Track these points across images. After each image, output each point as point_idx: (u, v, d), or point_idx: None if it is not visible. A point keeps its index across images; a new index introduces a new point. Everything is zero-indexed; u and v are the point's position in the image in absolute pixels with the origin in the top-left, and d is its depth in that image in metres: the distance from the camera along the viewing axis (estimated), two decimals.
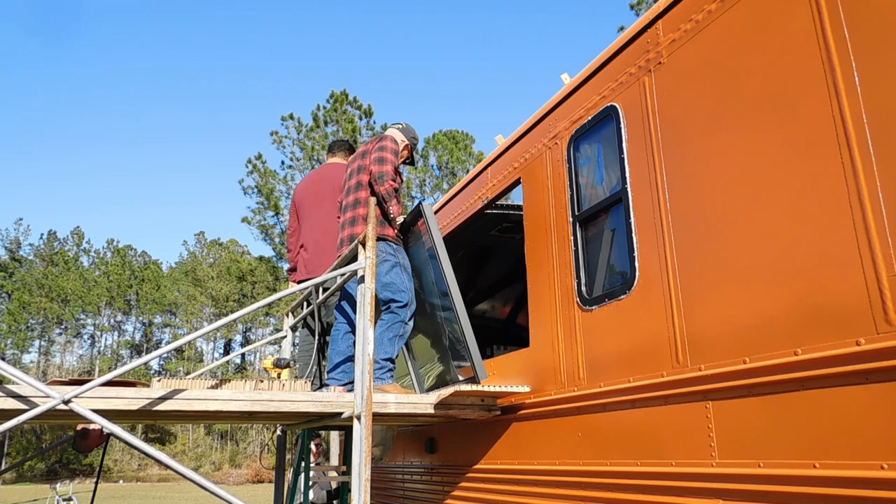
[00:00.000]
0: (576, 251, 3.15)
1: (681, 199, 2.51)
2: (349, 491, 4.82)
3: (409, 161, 4.54)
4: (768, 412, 2.01)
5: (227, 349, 62.47)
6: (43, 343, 60.85)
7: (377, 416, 3.44)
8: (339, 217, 4.36)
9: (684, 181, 2.50)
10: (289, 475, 4.89)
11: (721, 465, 2.15)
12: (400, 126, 4.47)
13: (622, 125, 2.90)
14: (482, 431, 3.73)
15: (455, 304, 3.59)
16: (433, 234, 3.72)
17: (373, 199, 3.41)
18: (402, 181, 4.30)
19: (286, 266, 5.63)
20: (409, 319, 3.83)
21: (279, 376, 3.86)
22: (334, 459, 14.37)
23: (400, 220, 4.01)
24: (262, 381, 3.22)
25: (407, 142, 4.42)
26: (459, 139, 26.12)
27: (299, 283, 4.62)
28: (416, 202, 4.08)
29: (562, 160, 3.37)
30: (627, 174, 2.82)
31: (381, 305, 3.83)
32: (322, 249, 4.61)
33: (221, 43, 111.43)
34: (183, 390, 2.92)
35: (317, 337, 4.30)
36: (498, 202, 4.38)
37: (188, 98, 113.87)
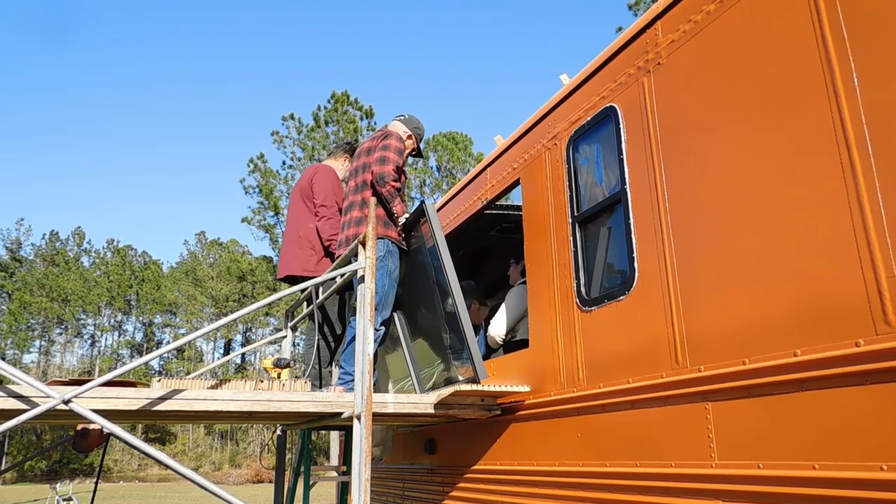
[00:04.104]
0: (575, 252, 3.15)
1: (680, 199, 2.51)
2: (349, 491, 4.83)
3: (417, 153, 4.46)
4: (768, 413, 2.01)
5: (228, 349, 62.46)
6: (43, 343, 60.87)
7: (377, 416, 3.44)
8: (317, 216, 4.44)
9: (683, 182, 2.50)
10: (289, 475, 4.89)
11: (720, 466, 2.15)
12: (402, 118, 4.37)
13: (621, 126, 2.90)
14: (482, 432, 3.73)
15: (456, 304, 3.58)
16: (436, 233, 3.71)
17: (373, 199, 3.41)
18: (405, 179, 4.26)
19: None
20: (380, 324, 3.84)
21: (279, 376, 3.86)
22: (334, 459, 14.37)
23: (403, 219, 3.99)
24: (262, 381, 3.22)
25: (410, 133, 4.32)
26: (459, 140, 26.13)
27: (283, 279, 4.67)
28: (417, 202, 4.08)
29: (561, 161, 3.37)
30: (627, 175, 2.82)
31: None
32: (286, 248, 4.68)
33: (222, 43, 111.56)
34: (183, 390, 2.92)
35: (316, 337, 4.30)
36: (497, 202, 4.38)
37: (188, 98, 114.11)
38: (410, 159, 4.62)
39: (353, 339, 3.78)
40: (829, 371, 1.83)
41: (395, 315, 4.40)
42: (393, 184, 3.88)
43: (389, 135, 4.09)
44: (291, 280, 4.52)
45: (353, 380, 3.69)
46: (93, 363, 61.45)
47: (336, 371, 4.23)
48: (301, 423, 4.04)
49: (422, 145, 4.53)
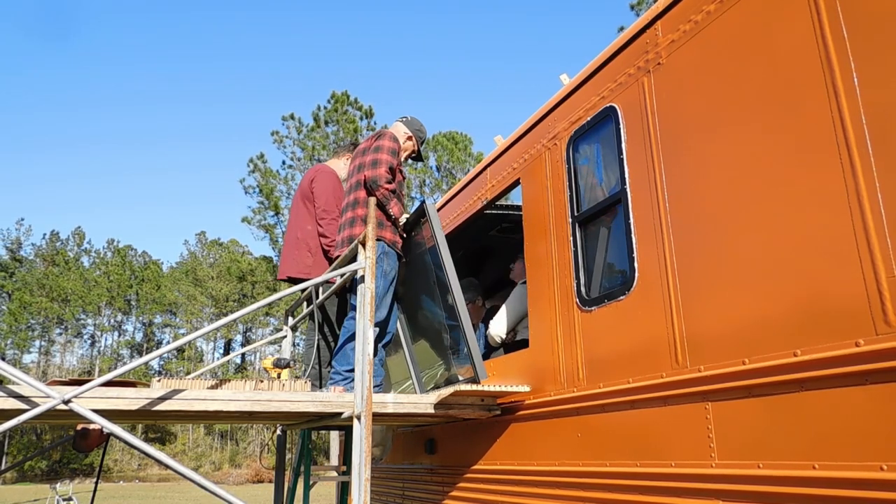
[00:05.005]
0: (575, 252, 3.15)
1: (680, 199, 2.51)
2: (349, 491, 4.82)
3: (417, 156, 4.41)
4: (768, 413, 2.01)
5: (228, 349, 62.46)
6: (43, 343, 60.87)
7: (377, 416, 3.44)
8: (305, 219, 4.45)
9: (683, 182, 2.50)
10: (289, 475, 4.89)
11: (720, 465, 2.15)
12: (405, 119, 4.32)
13: (621, 126, 2.90)
14: (482, 432, 3.73)
15: (457, 304, 3.58)
16: (436, 233, 3.70)
17: (372, 200, 3.40)
18: (403, 178, 4.21)
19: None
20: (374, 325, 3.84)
21: (279, 376, 3.86)
22: (334, 459, 14.37)
23: (403, 219, 3.97)
24: (262, 381, 3.22)
25: (411, 134, 4.26)
26: (459, 140, 26.13)
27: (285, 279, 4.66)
28: (418, 202, 4.08)
29: (561, 161, 3.37)
30: (627, 175, 2.82)
31: (351, 309, 3.82)
32: (287, 250, 4.68)
33: (222, 43, 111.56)
34: (183, 390, 2.92)
35: (316, 337, 4.30)
36: (497, 202, 4.38)
37: (188, 98, 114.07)
38: (410, 161, 4.59)
39: (346, 339, 3.78)
40: (829, 371, 1.83)
41: (399, 315, 4.40)
42: (386, 186, 3.82)
43: (382, 135, 4.01)
44: (291, 281, 4.52)
45: (343, 379, 3.69)
46: (93, 363, 61.44)
47: None
48: (301, 423, 4.04)
49: (422, 148, 4.47)
